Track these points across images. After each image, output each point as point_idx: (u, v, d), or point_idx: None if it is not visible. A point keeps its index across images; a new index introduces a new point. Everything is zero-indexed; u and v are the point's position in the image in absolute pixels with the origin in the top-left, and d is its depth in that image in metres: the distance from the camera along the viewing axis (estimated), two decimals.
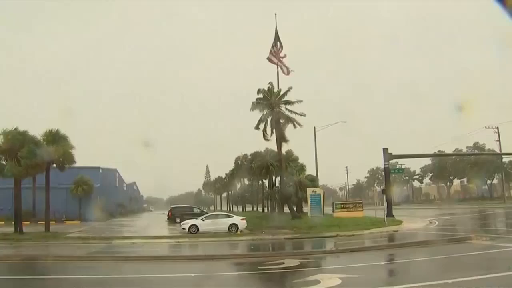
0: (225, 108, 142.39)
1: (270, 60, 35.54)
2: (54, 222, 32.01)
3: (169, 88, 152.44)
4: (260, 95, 34.88)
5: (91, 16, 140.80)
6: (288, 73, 35.35)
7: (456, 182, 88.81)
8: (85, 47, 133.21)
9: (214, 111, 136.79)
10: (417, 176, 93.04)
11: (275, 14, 36.39)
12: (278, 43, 35.86)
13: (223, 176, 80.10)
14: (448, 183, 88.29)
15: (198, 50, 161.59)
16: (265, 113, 34.42)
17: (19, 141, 24.41)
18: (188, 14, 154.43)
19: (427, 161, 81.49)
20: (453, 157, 75.46)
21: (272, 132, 34.34)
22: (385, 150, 38.12)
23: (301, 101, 34.46)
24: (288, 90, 34.40)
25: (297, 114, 34.26)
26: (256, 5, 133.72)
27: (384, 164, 38.64)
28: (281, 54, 35.57)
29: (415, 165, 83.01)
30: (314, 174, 42.27)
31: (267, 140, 35.16)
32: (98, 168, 50.31)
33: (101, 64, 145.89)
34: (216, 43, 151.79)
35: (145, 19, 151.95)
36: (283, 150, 36.95)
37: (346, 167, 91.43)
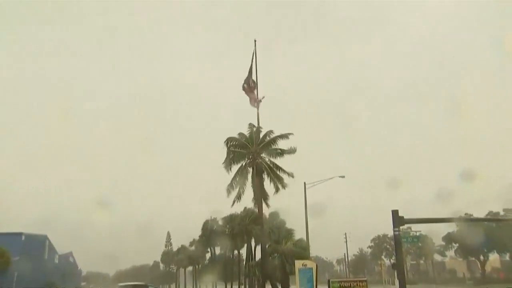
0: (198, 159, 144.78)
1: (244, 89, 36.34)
2: None
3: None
4: (234, 142, 35.04)
5: (90, 16, 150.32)
6: (256, 105, 35.85)
7: (494, 256, 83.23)
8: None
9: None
10: (438, 247, 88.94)
11: (255, 41, 37.39)
12: (251, 75, 36.68)
13: (188, 244, 79.89)
14: (482, 258, 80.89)
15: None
16: (242, 165, 34.58)
17: None
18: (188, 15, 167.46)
19: (452, 227, 77.68)
20: (486, 222, 71.71)
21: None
22: (395, 212, 35.75)
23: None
24: (272, 137, 34.81)
25: (281, 169, 34.46)
26: (256, 5, 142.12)
27: (394, 231, 36.33)
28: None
29: (436, 232, 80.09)
30: (304, 241, 39.98)
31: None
32: (20, 234, 47.05)
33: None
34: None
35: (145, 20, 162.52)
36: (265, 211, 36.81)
37: (345, 234, 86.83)
